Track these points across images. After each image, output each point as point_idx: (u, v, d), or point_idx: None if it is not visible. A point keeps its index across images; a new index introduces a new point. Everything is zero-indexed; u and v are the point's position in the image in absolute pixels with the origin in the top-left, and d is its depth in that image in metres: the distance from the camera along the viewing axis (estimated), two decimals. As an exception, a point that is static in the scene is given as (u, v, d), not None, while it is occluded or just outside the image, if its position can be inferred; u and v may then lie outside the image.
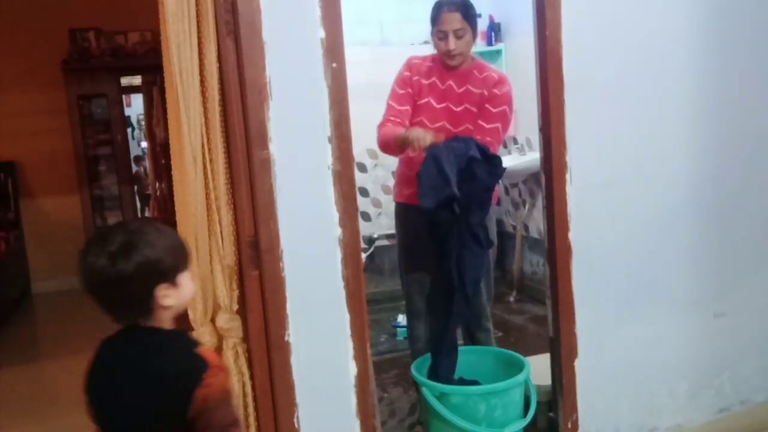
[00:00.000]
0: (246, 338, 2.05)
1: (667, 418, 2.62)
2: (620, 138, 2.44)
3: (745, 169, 2.65)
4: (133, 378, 1.37)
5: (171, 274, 1.38)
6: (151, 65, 5.32)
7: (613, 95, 2.41)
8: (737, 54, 2.57)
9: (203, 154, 1.95)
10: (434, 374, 2.55)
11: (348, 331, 2.14)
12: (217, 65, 1.94)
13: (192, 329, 1.97)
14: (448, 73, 2.74)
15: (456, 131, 2.69)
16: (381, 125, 2.76)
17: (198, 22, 1.91)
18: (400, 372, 3.46)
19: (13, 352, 4.45)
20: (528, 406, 2.48)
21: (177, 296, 1.39)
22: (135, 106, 6.42)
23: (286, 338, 2.05)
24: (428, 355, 2.65)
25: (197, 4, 1.91)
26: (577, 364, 2.45)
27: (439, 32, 2.67)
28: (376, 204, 4.81)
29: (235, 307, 2.02)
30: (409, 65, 2.80)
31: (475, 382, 2.60)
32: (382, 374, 3.42)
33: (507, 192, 4.82)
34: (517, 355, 2.65)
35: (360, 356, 2.16)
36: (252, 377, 2.05)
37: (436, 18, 2.68)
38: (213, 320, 2.02)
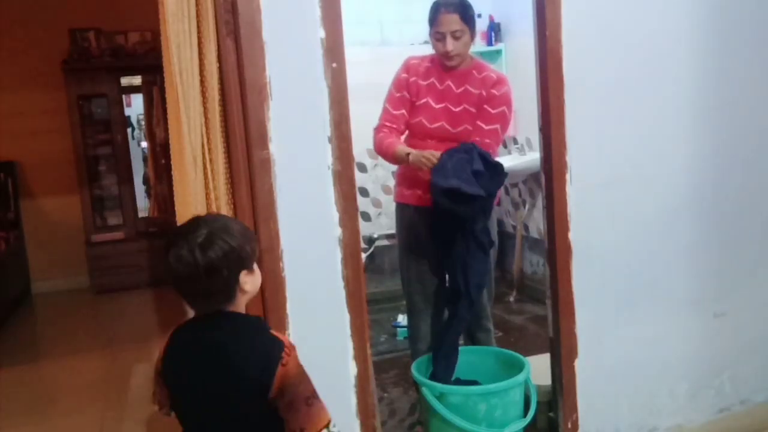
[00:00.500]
0: (246, 338, 2.05)
1: (667, 418, 2.62)
2: (620, 138, 2.44)
3: (745, 169, 2.65)
4: (220, 360, 1.44)
5: (250, 260, 1.48)
6: (151, 65, 5.31)
7: (613, 95, 2.41)
8: (737, 54, 2.57)
9: (203, 154, 1.95)
10: (432, 374, 2.55)
11: (348, 331, 2.14)
12: (217, 65, 1.94)
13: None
14: (447, 73, 2.74)
15: (455, 131, 2.69)
16: (377, 130, 2.76)
17: (198, 22, 1.91)
18: (400, 372, 3.46)
19: (13, 352, 4.45)
20: (528, 406, 2.48)
21: (253, 282, 1.50)
22: (135, 106, 6.40)
23: (286, 338, 2.05)
24: (429, 355, 2.65)
25: (197, 4, 1.91)
26: (577, 364, 2.45)
27: (436, 33, 2.67)
28: (376, 204, 4.81)
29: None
30: (407, 66, 2.80)
31: (474, 382, 2.60)
32: (382, 374, 3.42)
33: (507, 192, 4.82)
34: (517, 355, 2.65)
35: (360, 356, 2.16)
36: (252, 377, 2.05)
37: (433, 19, 2.68)
38: (213, 320, 2.01)
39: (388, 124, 2.75)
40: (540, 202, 3.41)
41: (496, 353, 2.76)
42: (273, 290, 2.02)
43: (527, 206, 4.61)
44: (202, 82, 1.94)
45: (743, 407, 2.73)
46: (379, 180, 4.77)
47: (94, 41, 5.80)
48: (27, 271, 5.86)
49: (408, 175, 2.78)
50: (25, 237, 5.85)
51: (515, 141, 4.66)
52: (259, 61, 1.95)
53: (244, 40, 1.93)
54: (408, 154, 2.61)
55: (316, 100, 2.05)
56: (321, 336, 2.12)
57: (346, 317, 2.14)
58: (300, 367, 1.46)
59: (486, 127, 2.67)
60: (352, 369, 2.16)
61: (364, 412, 2.19)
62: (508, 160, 4.19)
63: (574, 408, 2.47)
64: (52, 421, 3.38)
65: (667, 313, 2.58)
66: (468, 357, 2.68)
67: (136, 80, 6.08)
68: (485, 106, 2.69)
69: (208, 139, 1.96)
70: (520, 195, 4.70)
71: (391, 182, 4.48)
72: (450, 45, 2.65)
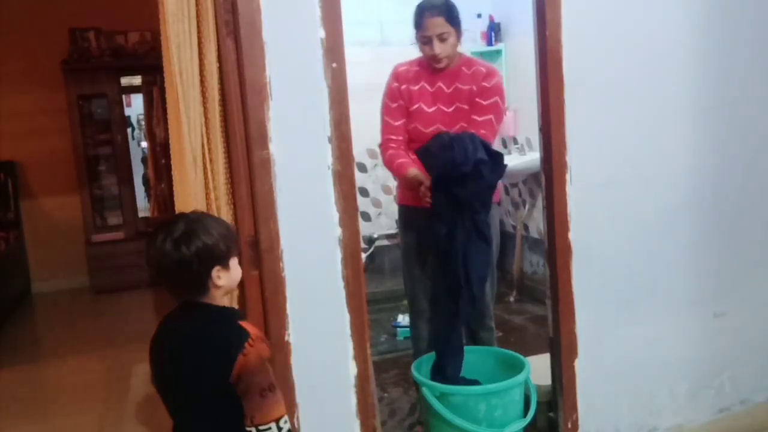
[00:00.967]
0: (246, 338, 2.04)
1: (667, 418, 2.62)
2: (620, 138, 2.44)
3: (745, 169, 2.65)
4: (187, 344, 1.57)
5: (224, 258, 1.57)
6: (151, 65, 5.31)
7: (613, 95, 2.41)
8: (737, 54, 2.57)
9: (203, 154, 1.95)
10: (439, 373, 2.54)
11: (348, 331, 2.14)
12: (217, 65, 1.94)
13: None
14: (437, 74, 2.74)
15: (451, 132, 2.69)
16: (383, 145, 2.76)
17: (198, 22, 1.91)
18: (400, 372, 3.46)
19: (13, 352, 4.45)
20: (528, 406, 2.48)
21: (228, 278, 1.59)
22: (135, 106, 6.40)
23: (286, 338, 2.05)
24: (429, 355, 2.65)
25: (197, 4, 1.91)
26: (577, 364, 2.45)
27: (423, 37, 2.67)
28: (376, 204, 4.81)
29: (236, 306, 2.02)
30: (396, 75, 2.80)
31: (475, 382, 2.60)
32: (382, 374, 3.42)
33: (507, 192, 4.82)
34: (517, 355, 2.65)
35: (360, 356, 2.16)
36: (252, 377, 2.05)
37: (418, 24, 2.67)
38: (213, 320, 2.02)
39: (393, 137, 2.74)
40: (540, 202, 3.41)
41: (496, 353, 2.76)
42: (273, 290, 2.02)
43: (527, 206, 4.61)
44: (202, 82, 1.94)
45: (743, 407, 2.73)
46: (379, 180, 4.77)
47: (94, 41, 5.80)
48: (27, 271, 5.86)
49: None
50: (25, 237, 5.85)
51: (515, 141, 4.66)
52: (259, 61, 1.95)
53: (244, 40, 1.93)
54: (421, 183, 2.57)
55: (316, 100, 2.05)
56: (321, 336, 2.12)
57: (346, 317, 2.14)
58: (261, 359, 1.53)
59: (480, 119, 2.67)
60: (352, 369, 2.16)
61: (364, 412, 2.19)
62: (508, 160, 4.17)
63: (574, 408, 2.47)
64: (52, 421, 3.39)
65: (667, 313, 2.58)
66: (468, 357, 2.67)
67: (136, 80, 6.08)
68: (477, 99, 2.69)
69: (208, 139, 1.96)
70: (520, 195, 4.70)
71: (391, 182, 4.49)
72: (437, 48, 2.64)
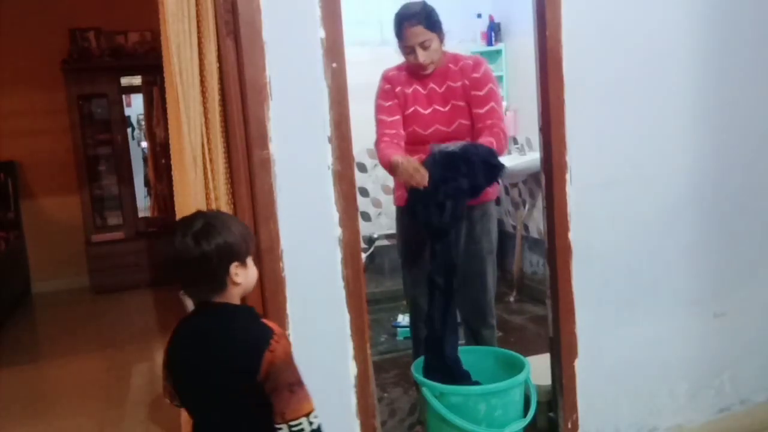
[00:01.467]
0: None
1: (667, 418, 2.62)
2: (620, 138, 2.44)
3: (745, 169, 2.65)
4: (213, 343, 1.55)
5: (242, 255, 1.57)
6: (151, 65, 5.31)
7: (613, 95, 2.41)
8: (737, 54, 2.57)
9: (203, 154, 1.96)
10: (436, 360, 2.52)
11: (348, 331, 2.14)
12: (217, 65, 1.94)
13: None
14: (427, 77, 2.74)
15: (450, 130, 2.69)
16: (378, 143, 2.74)
17: (198, 22, 1.92)
18: (400, 372, 3.46)
19: (13, 352, 4.46)
20: (528, 406, 2.48)
21: (245, 275, 1.58)
22: (135, 106, 6.40)
23: (286, 338, 2.05)
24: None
25: (197, 4, 1.91)
26: (577, 364, 2.45)
27: (405, 47, 2.66)
28: (376, 204, 4.81)
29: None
30: (387, 78, 2.79)
31: (475, 382, 2.60)
32: (382, 374, 3.42)
33: (507, 192, 4.82)
34: (517, 355, 2.64)
35: (360, 356, 2.16)
36: (252, 377, 2.05)
37: (399, 34, 2.66)
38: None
39: (387, 131, 2.72)
40: (540, 202, 3.41)
41: (496, 353, 2.76)
42: (273, 290, 2.02)
43: (527, 206, 4.61)
44: (202, 82, 1.94)
45: (743, 407, 2.73)
46: (379, 180, 4.77)
47: (94, 41, 5.80)
48: (27, 271, 5.87)
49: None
50: (25, 237, 5.86)
51: (515, 141, 4.66)
52: (259, 61, 1.95)
53: (244, 40, 1.93)
54: (397, 165, 2.48)
55: (316, 100, 2.05)
56: (321, 336, 2.12)
57: (346, 317, 2.14)
58: (288, 355, 1.53)
59: (483, 111, 2.67)
60: (352, 369, 2.16)
61: (364, 412, 2.19)
62: (508, 160, 4.19)
63: (574, 408, 2.47)
64: (52, 421, 3.38)
65: (667, 313, 2.58)
66: (468, 357, 2.67)
67: (136, 80, 6.08)
68: (473, 92, 2.69)
69: (208, 139, 1.96)
70: (520, 195, 4.70)
71: (391, 182, 4.47)
72: (421, 56, 2.64)
